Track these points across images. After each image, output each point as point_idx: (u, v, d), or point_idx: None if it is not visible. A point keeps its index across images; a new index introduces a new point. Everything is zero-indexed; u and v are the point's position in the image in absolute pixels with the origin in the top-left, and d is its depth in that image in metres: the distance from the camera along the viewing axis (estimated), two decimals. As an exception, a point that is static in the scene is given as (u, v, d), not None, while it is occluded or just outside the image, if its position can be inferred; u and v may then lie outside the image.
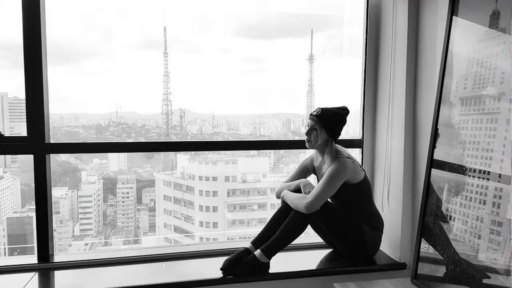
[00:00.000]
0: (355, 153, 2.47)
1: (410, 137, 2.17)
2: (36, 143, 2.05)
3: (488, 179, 1.58)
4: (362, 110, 2.46)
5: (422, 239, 1.94)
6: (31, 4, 1.98)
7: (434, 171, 1.90)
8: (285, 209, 2.03)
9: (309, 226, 2.02)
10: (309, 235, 2.35)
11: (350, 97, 2.68)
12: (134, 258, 2.16)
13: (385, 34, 2.31)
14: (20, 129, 2.13)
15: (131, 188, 6.14)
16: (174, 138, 6.02)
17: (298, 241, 1.99)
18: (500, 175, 1.53)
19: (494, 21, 1.62)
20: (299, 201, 1.93)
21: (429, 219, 1.91)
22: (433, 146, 1.91)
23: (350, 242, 2.04)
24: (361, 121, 2.47)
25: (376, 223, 2.06)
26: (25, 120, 2.04)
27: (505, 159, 1.52)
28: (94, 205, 5.87)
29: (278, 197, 2.15)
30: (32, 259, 2.11)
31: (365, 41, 2.40)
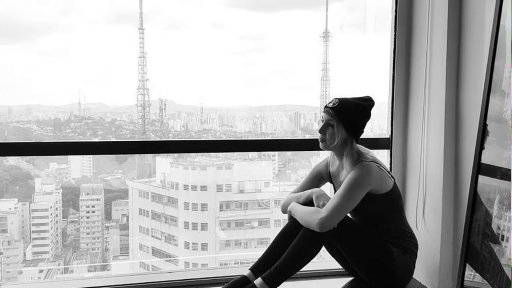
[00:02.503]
0: (381, 156, 2.46)
1: (452, 135, 2.17)
2: (-23, 143, 2.05)
3: (550, 188, 1.58)
4: (390, 101, 2.46)
5: (467, 264, 1.94)
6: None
7: (481, 179, 1.89)
8: (293, 227, 2.03)
9: (323, 248, 2.02)
10: (323, 260, 2.35)
11: (375, 84, 2.68)
12: (101, 288, 2.15)
13: (420, 4, 2.31)
14: (-43, 126, 2.13)
15: (97, 200, 6.15)
16: (152, 137, 6.03)
17: (309, 267, 1.99)
18: None
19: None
20: (311, 217, 1.93)
21: (475, 239, 1.91)
22: (480, 147, 1.91)
23: (375, 268, 2.03)
24: (390, 115, 2.46)
25: (408, 245, 2.06)
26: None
27: None
28: (51, 221, 5.88)
29: (284, 211, 2.14)
30: (-28, 290, 2.10)
31: (394, 13, 2.40)
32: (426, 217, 2.27)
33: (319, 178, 2.20)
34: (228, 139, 2.73)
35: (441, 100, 2.17)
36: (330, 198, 1.99)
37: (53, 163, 6.04)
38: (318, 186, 2.17)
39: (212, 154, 5.67)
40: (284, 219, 2.14)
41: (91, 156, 5.71)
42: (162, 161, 5.86)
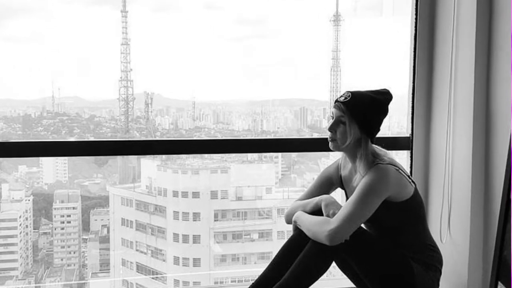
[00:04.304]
0: (401, 158, 2.47)
1: (481, 134, 2.17)
2: None
3: None
4: (411, 95, 2.46)
5: (499, 282, 1.94)
6: None
7: (516, 184, 1.89)
8: (298, 239, 2.03)
9: (333, 263, 2.03)
10: (333, 277, 2.35)
11: (393, 75, 2.68)
12: (78, 310, 2.16)
13: (445, -16, 2.31)
14: None
15: (74, 208, 6.16)
16: (137, 136, 6.03)
17: (317, 285, 1.99)
18: None
19: None
20: (319, 228, 1.93)
21: (509, 253, 1.91)
22: (514, 147, 1.91)
23: (393, 286, 2.04)
24: (410, 110, 2.47)
25: (431, 260, 2.07)
26: None
27: None
28: (21, 233, 5.89)
29: (288, 221, 2.15)
30: None
31: (415, -6, 2.41)
32: (452, 228, 2.27)
33: (328, 183, 2.20)
34: (224, 138, 2.74)
35: (469, 94, 2.17)
36: (341, 206, 1.99)
37: (23, 166, 6.05)
38: (327, 192, 2.17)
39: (206, 155, 5.68)
40: (288, 230, 2.14)
41: (66, 158, 5.72)
42: (148, 163, 5.87)
